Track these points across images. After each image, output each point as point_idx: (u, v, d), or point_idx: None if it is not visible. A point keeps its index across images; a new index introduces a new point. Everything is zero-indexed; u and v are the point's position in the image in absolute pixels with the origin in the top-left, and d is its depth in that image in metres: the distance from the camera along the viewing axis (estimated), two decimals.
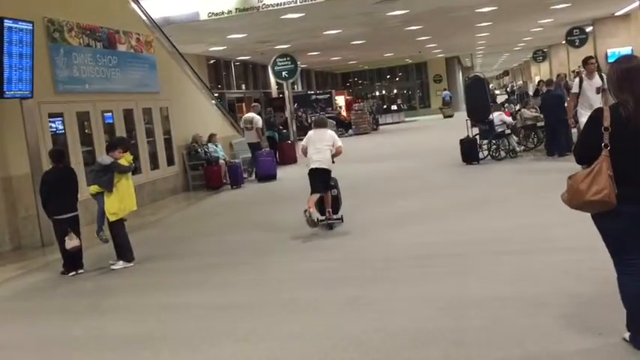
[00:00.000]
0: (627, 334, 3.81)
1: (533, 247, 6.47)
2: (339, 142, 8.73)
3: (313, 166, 8.49)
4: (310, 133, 8.90)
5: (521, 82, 44.46)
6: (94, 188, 8.01)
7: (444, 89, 39.73)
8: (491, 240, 6.97)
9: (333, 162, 8.64)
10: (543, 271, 5.57)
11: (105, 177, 7.74)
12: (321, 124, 9.08)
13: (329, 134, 8.74)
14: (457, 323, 4.57)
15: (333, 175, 8.68)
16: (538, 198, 8.77)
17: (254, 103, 18.86)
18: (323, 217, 8.58)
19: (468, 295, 5.19)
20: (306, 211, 8.11)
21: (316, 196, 8.43)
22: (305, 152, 8.71)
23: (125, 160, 7.97)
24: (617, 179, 3.54)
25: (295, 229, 8.95)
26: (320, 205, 8.62)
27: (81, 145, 11.38)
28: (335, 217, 8.70)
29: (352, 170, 15.29)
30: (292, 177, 15.30)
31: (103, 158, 7.98)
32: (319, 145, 8.53)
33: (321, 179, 8.50)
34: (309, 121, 27.10)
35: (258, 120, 15.95)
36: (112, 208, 7.74)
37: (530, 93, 24.94)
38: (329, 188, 8.65)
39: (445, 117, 33.86)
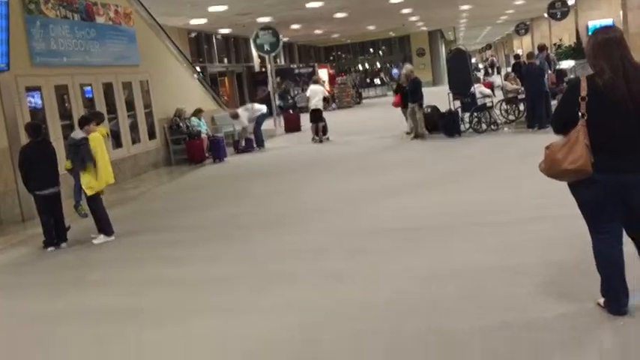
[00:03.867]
0: (602, 300, 3.90)
1: (512, 217, 6.55)
2: (326, 93, 17.91)
3: (312, 107, 16.03)
4: (310, 87, 16.78)
5: (490, 56, 44.24)
6: (69, 164, 7.93)
7: (394, 66, 39.73)
8: (472, 212, 7.04)
9: (324, 105, 16.55)
10: (522, 240, 5.66)
11: (77, 154, 7.62)
12: (316, 82, 17.54)
13: (321, 88, 16.98)
14: (438, 293, 4.64)
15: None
16: (518, 169, 8.86)
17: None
18: (318, 137, 15.94)
19: (449, 265, 5.27)
20: (313, 138, 16.07)
21: (314, 125, 16.02)
22: (308, 100, 16.40)
23: (100, 132, 7.90)
24: (594, 148, 3.59)
25: (277, 204, 8.98)
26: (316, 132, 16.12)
27: (60, 119, 11.24)
28: (324, 137, 16.06)
29: (335, 144, 15.37)
30: (282, 146, 15.45)
31: (76, 133, 7.90)
32: (315, 95, 16.20)
33: (316, 115, 16.01)
34: (292, 95, 27.05)
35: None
36: (88, 182, 7.67)
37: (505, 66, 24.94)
38: (321, 120, 16.01)
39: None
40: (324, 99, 16.96)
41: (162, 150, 15.03)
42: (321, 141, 15.94)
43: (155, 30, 15.53)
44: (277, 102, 20.81)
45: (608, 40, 3.63)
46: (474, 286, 4.68)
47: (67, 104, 11.68)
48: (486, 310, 4.20)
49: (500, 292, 4.49)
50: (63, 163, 8.56)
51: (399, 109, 15.40)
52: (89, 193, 7.69)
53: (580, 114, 3.61)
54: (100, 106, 12.21)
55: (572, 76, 15.96)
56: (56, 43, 11.25)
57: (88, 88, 12.30)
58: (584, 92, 3.61)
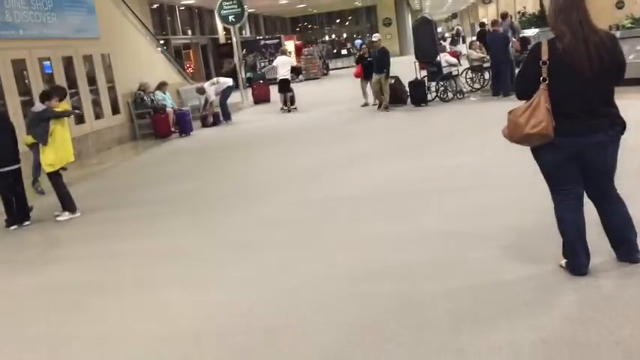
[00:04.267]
0: (563, 261, 3.99)
1: (478, 183, 6.63)
2: (294, 62, 18.97)
3: (281, 77, 16.31)
4: (278, 58, 16.85)
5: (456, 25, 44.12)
6: (29, 139, 7.71)
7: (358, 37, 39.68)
8: (437, 178, 7.10)
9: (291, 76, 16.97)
10: (487, 206, 5.74)
11: (39, 127, 7.41)
12: (284, 53, 17.59)
13: (288, 59, 17.10)
14: (406, 258, 4.69)
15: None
16: (483, 137, 8.94)
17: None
18: (286, 107, 16.23)
19: (416, 230, 5.32)
20: (281, 108, 16.31)
21: (282, 95, 16.33)
22: (276, 70, 16.47)
23: (62, 108, 7.69)
24: (554, 112, 3.62)
25: (244, 175, 8.93)
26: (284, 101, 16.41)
27: (19, 95, 10.93)
28: (292, 106, 16.30)
29: (303, 115, 15.28)
30: (250, 119, 15.29)
31: (36, 106, 7.67)
32: (283, 65, 16.31)
33: (284, 86, 16.34)
34: (260, 67, 26.80)
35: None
36: (47, 159, 7.48)
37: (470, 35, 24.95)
38: (289, 91, 16.33)
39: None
40: (293, 69, 17.59)
41: (127, 125, 14.76)
42: (289, 111, 16.14)
43: (115, 1, 15.13)
44: (246, 74, 20.47)
45: (568, 5, 3.64)
46: (440, 250, 4.74)
47: (26, 80, 11.35)
48: (452, 274, 4.26)
49: (465, 255, 4.56)
50: (23, 140, 8.35)
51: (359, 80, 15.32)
52: (48, 170, 7.51)
53: (541, 78, 3.64)
54: (60, 81, 11.88)
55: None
56: (11, 15, 10.88)
57: (47, 62, 11.96)
58: (545, 56, 3.63)
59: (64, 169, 7.69)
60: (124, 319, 4.30)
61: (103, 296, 4.78)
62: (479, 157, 7.83)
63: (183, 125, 14.42)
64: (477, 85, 15.08)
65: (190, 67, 26.08)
